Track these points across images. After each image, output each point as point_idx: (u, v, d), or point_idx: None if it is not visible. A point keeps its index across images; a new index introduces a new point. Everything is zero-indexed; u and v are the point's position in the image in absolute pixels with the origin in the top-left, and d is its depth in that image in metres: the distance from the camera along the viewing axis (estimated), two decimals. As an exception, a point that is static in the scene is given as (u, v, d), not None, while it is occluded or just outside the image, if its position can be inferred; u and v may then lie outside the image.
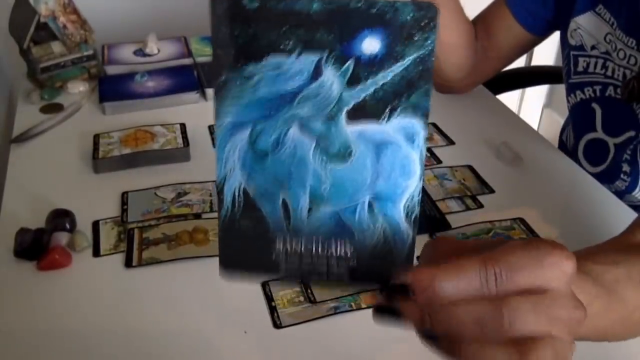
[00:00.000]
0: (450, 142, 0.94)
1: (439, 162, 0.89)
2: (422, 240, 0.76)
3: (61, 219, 0.73)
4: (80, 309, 0.64)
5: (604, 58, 0.84)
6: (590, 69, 0.87)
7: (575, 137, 0.92)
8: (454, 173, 0.86)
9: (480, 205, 0.80)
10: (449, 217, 0.77)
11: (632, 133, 0.82)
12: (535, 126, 1.97)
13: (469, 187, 0.83)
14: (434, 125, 0.98)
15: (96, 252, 0.72)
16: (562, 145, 1.03)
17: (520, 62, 2.13)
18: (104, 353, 0.60)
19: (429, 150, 0.92)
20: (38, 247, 0.69)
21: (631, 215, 0.79)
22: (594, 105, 0.87)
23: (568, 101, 0.93)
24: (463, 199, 0.81)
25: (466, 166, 0.88)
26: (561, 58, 0.96)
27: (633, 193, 0.84)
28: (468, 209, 0.79)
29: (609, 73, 0.84)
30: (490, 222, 0.76)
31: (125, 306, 0.65)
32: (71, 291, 0.67)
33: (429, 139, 0.94)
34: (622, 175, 0.84)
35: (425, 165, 0.87)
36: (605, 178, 0.85)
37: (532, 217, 0.77)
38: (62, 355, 0.60)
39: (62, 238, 0.71)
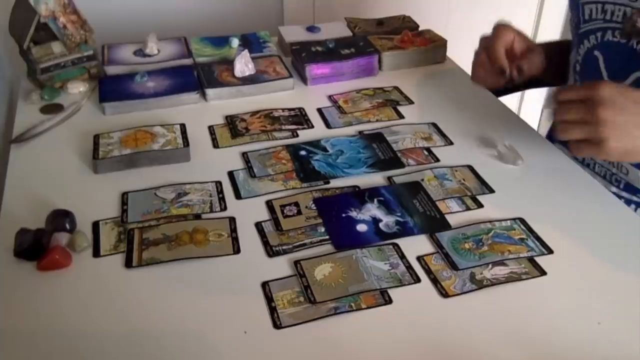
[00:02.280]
0: (449, 142, 0.94)
1: (437, 161, 0.89)
2: (422, 240, 0.76)
3: (61, 219, 0.73)
4: (80, 309, 0.64)
5: (602, 2, 0.86)
6: (593, 16, 0.88)
7: None
8: (453, 173, 0.86)
9: (480, 205, 0.80)
10: (448, 217, 0.77)
11: (638, 74, 0.82)
12: (535, 126, 1.97)
13: (469, 187, 0.83)
14: (434, 125, 0.98)
15: (96, 253, 0.72)
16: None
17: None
18: (104, 353, 0.60)
19: (428, 150, 0.92)
20: (38, 247, 0.69)
21: (631, 214, 0.79)
22: (596, 52, 0.88)
23: (577, 60, 0.93)
24: (463, 199, 0.81)
25: (466, 166, 0.88)
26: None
27: None
28: (468, 209, 0.79)
29: (608, 17, 0.85)
30: (490, 222, 0.76)
31: (125, 306, 0.65)
32: (71, 291, 0.67)
33: (428, 138, 0.94)
34: None
35: (425, 165, 0.88)
36: None
37: (532, 217, 0.77)
38: (62, 355, 0.60)
39: (62, 238, 0.71)
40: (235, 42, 1.18)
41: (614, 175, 0.89)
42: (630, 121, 0.70)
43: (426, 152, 0.91)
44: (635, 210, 0.90)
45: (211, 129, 0.97)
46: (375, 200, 0.80)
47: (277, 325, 0.62)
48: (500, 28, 0.92)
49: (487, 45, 0.92)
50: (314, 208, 0.79)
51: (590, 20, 0.89)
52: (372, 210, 0.78)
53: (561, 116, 0.75)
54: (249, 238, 0.74)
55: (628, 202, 0.89)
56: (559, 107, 0.75)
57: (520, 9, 2.01)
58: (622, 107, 0.70)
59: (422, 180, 0.84)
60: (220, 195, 0.81)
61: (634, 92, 0.73)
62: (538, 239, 0.74)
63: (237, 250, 0.72)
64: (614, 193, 0.87)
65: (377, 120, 1.00)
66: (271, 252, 0.72)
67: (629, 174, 0.88)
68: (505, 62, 0.91)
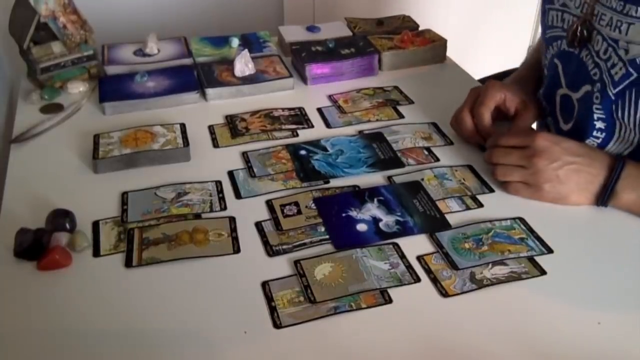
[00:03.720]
0: (449, 142, 0.94)
1: (437, 161, 0.89)
2: (422, 240, 0.76)
3: (61, 219, 0.73)
4: (80, 309, 0.64)
5: (562, 10, 0.86)
6: (554, 23, 0.88)
7: (552, 95, 0.92)
8: (454, 173, 0.86)
9: (480, 205, 0.80)
10: (448, 217, 0.77)
11: (588, 87, 0.83)
12: (534, 126, 1.97)
13: (469, 186, 0.83)
14: (434, 125, 0.98)
15: (96, 252, 0.72)
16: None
17: (520, 62, 2.13)
18: (103, 353, 0.60)
19: (428, 149, 0.92)
20: (38, 247, 0.69)
21: (630, 214, 0.79)
22: (556, 60, 0.89)
23: (545, 64, 0.94)
24: (463, 199, 0.81)
25: (466, 166, 0.88)
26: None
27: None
28: (468, 208, 0.79)
29: (566, 26, 0.86)
30: (490, 221, 0.76)
31: (125, 306, 0.65)
32: (71, 291, 0.67)
33: (428, 138, 0.94)
34: (594, 133, 0.84)
35: (425, 164, 0.88)
36: (577, 136, 0.85)
37: (532, 216, 0.77)
38: (62, 355, 0.60)
39: (62, 238, 0.71)
40: (235, 42, 1.18)
41: None
42: (563, 170, 0.77)
43: (426, 152, 0.91)
44: None
45: (211, 129, 0.97)
46: (375, 199, 0.80)
47: (277, 325, 0.62)
48: (490, 89, 0.89)
49: (473, 104, 0.90)
50: (314, 208, 0.79)
51: (552, 27, 0.88)
52: (372, 209, 0.78)
53: (500, 159, 0.82)
54: (249, 238, 0.74)
55: None
56: (497, 151, 0.82)
57: (520, 9, 2.01)
58: (557, 158, 0.77)
59: (422, 179, 0.84)
60: (220, 195, 0.81)
61: (568, 142, 0.79)
62: (538, 238, 0.74)
63: (237, 249, 0.72)
64: None
65: (377, 120, 1.00)
66: (271, 251, 0.72)
67: None
68: (479, 138, 0.90)
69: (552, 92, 0.92)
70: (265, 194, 0.82)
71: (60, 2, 1.04)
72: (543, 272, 0.69)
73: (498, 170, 0.82)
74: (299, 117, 1.00)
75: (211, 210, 0.78)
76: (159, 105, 1.03)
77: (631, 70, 0.75)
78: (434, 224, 0.76)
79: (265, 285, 0.67)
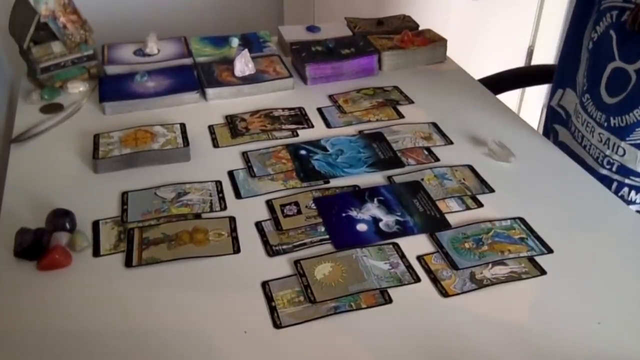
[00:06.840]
0: (449, 142, 0.94)
1: (437, 160, 0.89)
2: (422, 240, 0.76)
3: (61, 219, 0.73)
4: (80, 309, 0.64)
5: None
6: None
7: (600, 70, 0.90)
8: (454, 173, 0.86)
9: (480, 205, 0.80)
10: (448, 217, 0.77)
11: None
12: (535, 126, 1.97)
13: (469, 186, 0.83)
14: (434, 125, 0.98)
15: (96, 252, 0.72)
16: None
17: (520, 62, 2.14)
18: (103, 353, 0.60)
19: (428, 149, 0.92)
20: (38, 247, 0.69)
21: (631, 214, 0.79)
22: (611, 32, 0.87)
23: (591, 38, 0.92)
24: (463, 199, 0.81)
25: (466, 166, 0.88)
26: (560, 57, 0.96)
27: None
28: (468, 208, 0.79)
29: None
30: (490, 221, 0.76)
31: (125, 306, 0.65)
32: (71, 291, 0.67)
33: (428, 138, 0.94)
34: None
35: (425, 164, 0.88)
36: (620, 109, 0.83)
37: (532, 216, 0.77)
38: (63, 355, 0.60)
39: (62, 238, 0.71)
40: (235, 42, 1.18)
41: (607, 157, 0.89)
42: None
43: (426, 152, 0.91)
44: (629, 192, 0.90)
45: (211, 129, 0.97)
46: (375, 199, 0.80)
47: (277, 324, 0.62)
48: None
49: None
50: (314, 207, 0.79)
51: None
52: (372, 209, 0.78)
53: None
54: (249, 237, 0.74)
55: (620, 185, 0.89)
56: None
57: (520, 8, 2.01)
58: None
59: (422, 179, 0.84)
60: (220, 195, 0.81)
61: None
62: (538, 238, 0.74)
63: (237, 249, 0.72)
64: (605, 175, 0.88)
65: (377, 120, 1.00)
66: (271, 251, 0.72)
67: (626, 155, 0.87)
68: None
69: (602, 67, 0.90)
70: (265, 194, 0.82)
71: (60, 2, 1.04)
72: (543, 272, 0.69)
73: None
74: (299, 117, 1.00)
75: (211, 210, 0.78)
76: (159, 105, 1.03)
77: None
78: (434, 223, 0.76)
79: (265, 285, 0.67)
